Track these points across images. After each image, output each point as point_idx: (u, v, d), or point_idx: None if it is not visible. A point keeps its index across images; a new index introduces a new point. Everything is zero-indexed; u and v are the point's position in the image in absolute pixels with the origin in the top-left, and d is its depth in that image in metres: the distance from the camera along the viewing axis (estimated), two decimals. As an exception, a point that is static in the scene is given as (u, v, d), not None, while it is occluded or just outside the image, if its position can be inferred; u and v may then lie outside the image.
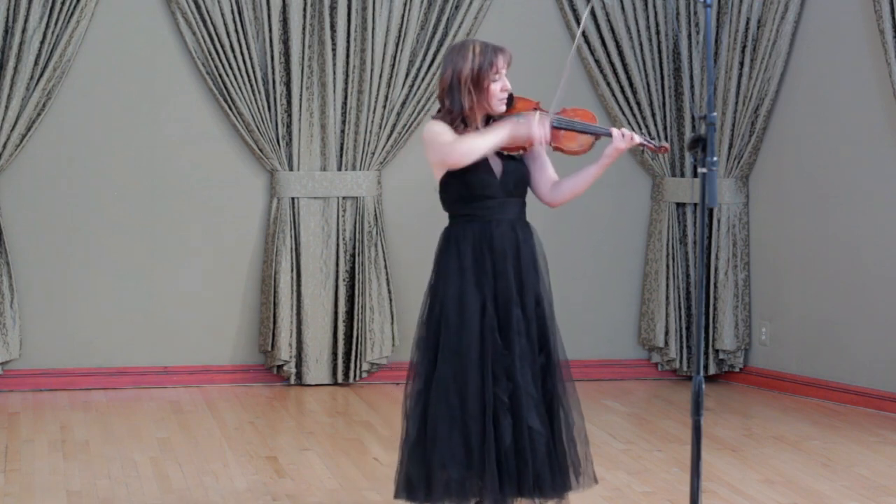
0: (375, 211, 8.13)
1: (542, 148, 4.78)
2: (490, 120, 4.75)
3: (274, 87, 7.97)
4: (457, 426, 4.64)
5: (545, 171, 4.85)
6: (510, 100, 4.75)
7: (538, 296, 4.79)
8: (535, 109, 4.76)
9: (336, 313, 8.11)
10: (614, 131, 4.76)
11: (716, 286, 8.37)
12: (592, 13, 8.27)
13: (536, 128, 4.65)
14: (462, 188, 4.71)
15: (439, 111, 4.78)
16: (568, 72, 4.73)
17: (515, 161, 4.79)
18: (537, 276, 4.79)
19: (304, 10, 7.96)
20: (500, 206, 4.71)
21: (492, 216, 4.72)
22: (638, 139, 4.77)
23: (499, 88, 4.69)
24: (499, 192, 4.72)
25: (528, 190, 4.86)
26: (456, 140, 4.64)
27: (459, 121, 4.69)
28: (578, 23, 8.28)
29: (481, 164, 4.68)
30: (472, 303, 4.67)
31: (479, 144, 4.62)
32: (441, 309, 4.71)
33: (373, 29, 8.02)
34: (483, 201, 4.71)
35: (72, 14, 7.69)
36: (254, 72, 7.93)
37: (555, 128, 4.73)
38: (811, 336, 8.07)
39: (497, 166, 4.73)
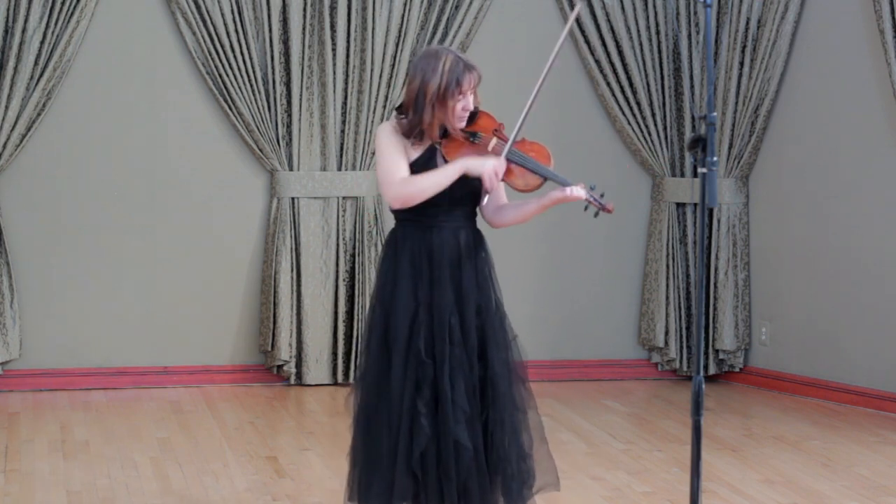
0: (375, 211, 8.13)
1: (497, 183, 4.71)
2: (446, 133, 4.66)
3: (274, 87, 7.98)
4: (375, 432, 4.61)
5: (496, 192, 4.76)
6: (473, 114, 4.67)
7: (480, 304, 4.68)
8: (495, 132, 4.69)
9: (336, 313, 8.11)
10: (568, 189, 4.58)
11: (716, 286, 8.37)
12: (592, 13, 8.27)
13: (490, 170, 4.55)
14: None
15: (399, 109, 4.70)
16: (532, 100, 4.59)
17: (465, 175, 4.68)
18: (480, 284, 4.69)
19: (304, 10, 7.96)
20: (445, 213, 4.64)
21: (434, 222, 4.65)
22: (583, 195, 4.59)
23: (460, 108, 4.61)
24: (445, 199, 4.63)
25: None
26: (406, 181, 4.57)
27: (418, 132, 4.62)
28: (579, 23, 8.27)
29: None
30: (402, 309, 4.61)
31: (427, 188, 4.56)
32: (376, 314, 4.68)
33: (373, 29, 8.02)
34: (427, 207, 4.62)
35: (72, 14, 7.69)
36: (254, 72, 7.93)
37: (508, 160, 4.62)
38: (811, 336, 8.07)
39: None
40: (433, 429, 4.56)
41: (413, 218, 4.67)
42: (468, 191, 4.67)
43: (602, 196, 4.64)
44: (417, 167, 4.63)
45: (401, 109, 4.70)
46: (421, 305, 4.62)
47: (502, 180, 4.65)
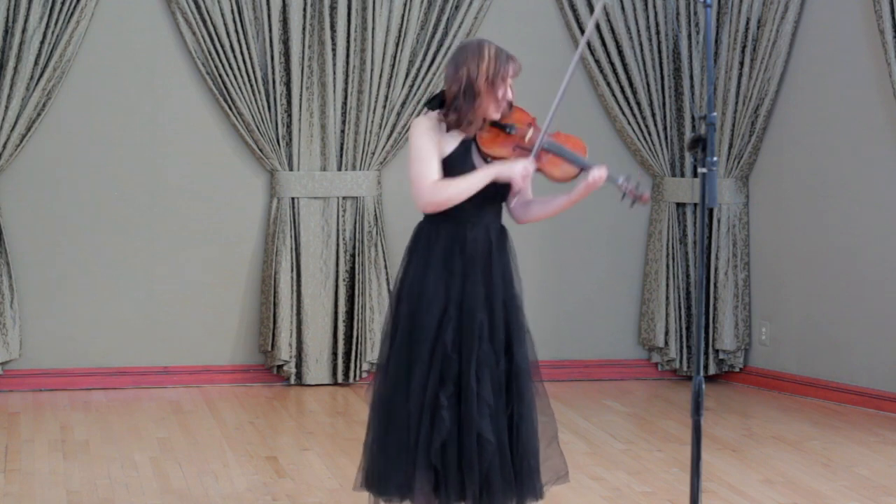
0: (375, 211, 8.13)
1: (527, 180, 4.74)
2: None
3: (274, 87, 7.98)
4: (395, 424, 4.62)
5: (524, 189, 4.81)
6: (509, 106, 4.72)
7: (506, 301, 4.71)
8: (530, 125, 4.71)
9: (336, 313, 8.11)
10: (593, 170, 4.63)
11: (716, 286, 8.37)
12: (592, 13, 8.27)
13: (519, 175, 4.60)
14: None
15: (432, 101, 4.73)
16: (563, 90, 4.65)
17: None
18: (507, 280, 4.73)
19: (304, 10, 7.97)
20: (476, 210, 4.66)
21: (467, 219, 4.67)
22: (604, 174, 4.62)
23: (501, 96, 4.65)
24: (477, 196, 4.65)
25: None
26: (436, 187, 4.59)
27: (457, 123, 4.64)
28: (579, 23, 8.28)
29: (467, 167, 4.64)
30: (433, 303, 4.63)
31: (456, 195, 4.59)
32: (402, 307, 4.69)
33: (373, 29, 8.02)
34: (460, 203, 4.65)
35: (72, 14, 7.69)
36: (254, 72, 7.93)
37: (544, 150, 4.66)
38: (811, 336, 8.07)
39: None
40: (454, 422, 4.58)
41: (446, 213, 4.67)
42: (500, 188, 4.70)
43: (638, 186, 4.66)
44: (452, 161, 4.65)
45: (432, 105, 4.72)
46: (451, 301, 4.64)
47: (538, 170, 4.68)
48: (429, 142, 4.65)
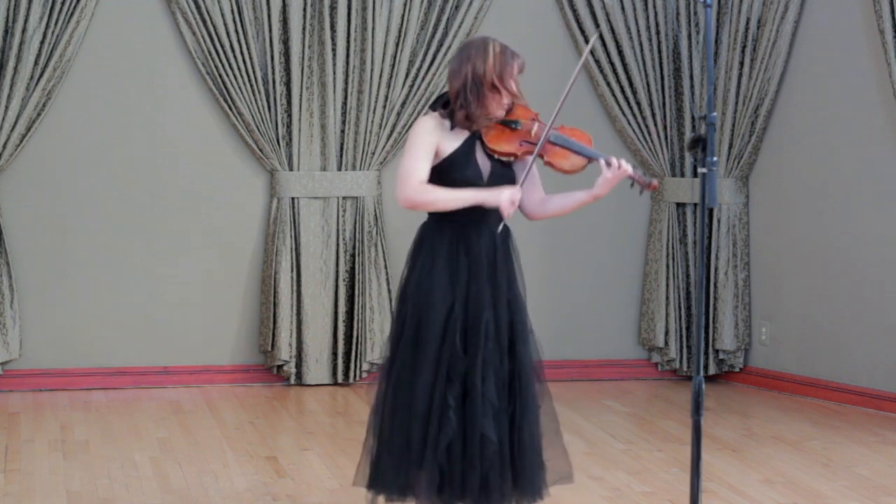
0: (375, 211, 8.13)
1: (534, 167, 4.73)
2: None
3: (274, 87, 7.98)
4: (400, 423, 4.63)
5: (535, 186, 4.80)
6: (510, 104, 4.74)
7: (510, 300, 4.72)
8: (534, 120, 4.72)
9: (336, 313, 8.11)
10: (602, 162, 4.65)
11: (716, 286, 8.37)
12: (592, 13, 8.27)
13: (507, 201, 4.60)
14: (446, 187, 4.67)
15: (437, 101, 4.74)
16: (571, 86, 4.65)
17: (504, 166, 4.72)
18: (511, 280, 4.74)
19: (304, 10, 7.97)
20: (481, 210, 4.66)
21: (471, 218, 4.67)
22: (628, 171, 4.65)
23: (508, 92, 4.64)
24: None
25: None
26: (421, 188, 4.61)
27: (464, 119, 4.65)
28: (579, 23, 8.28)
29: (470, 165, 4.66)
30: (439, 303, 4.64)
31: (437, 202, 4.63)
32: (408, 306, 4.70)
33: (373, 29, 8.02)
34: None
35: (72, 14, 7.69)
36: (254, 72, 7.93)
37: (550, 143, 4.67)
38: (811, 336, 8.07)
39: (486, 168, 4.69)
40: (460, 422, 4.60)
41: (449, 214, 4.67)
42: (505, 185, 4.68)
43: (645, 174, 4.68)
44: (454, 158, 4.66)
45: (434, 105, 4.73)
46: (457, 300, 4.65)
47: (546, 163, 4.69)
48: (427, 141, 4.66)
